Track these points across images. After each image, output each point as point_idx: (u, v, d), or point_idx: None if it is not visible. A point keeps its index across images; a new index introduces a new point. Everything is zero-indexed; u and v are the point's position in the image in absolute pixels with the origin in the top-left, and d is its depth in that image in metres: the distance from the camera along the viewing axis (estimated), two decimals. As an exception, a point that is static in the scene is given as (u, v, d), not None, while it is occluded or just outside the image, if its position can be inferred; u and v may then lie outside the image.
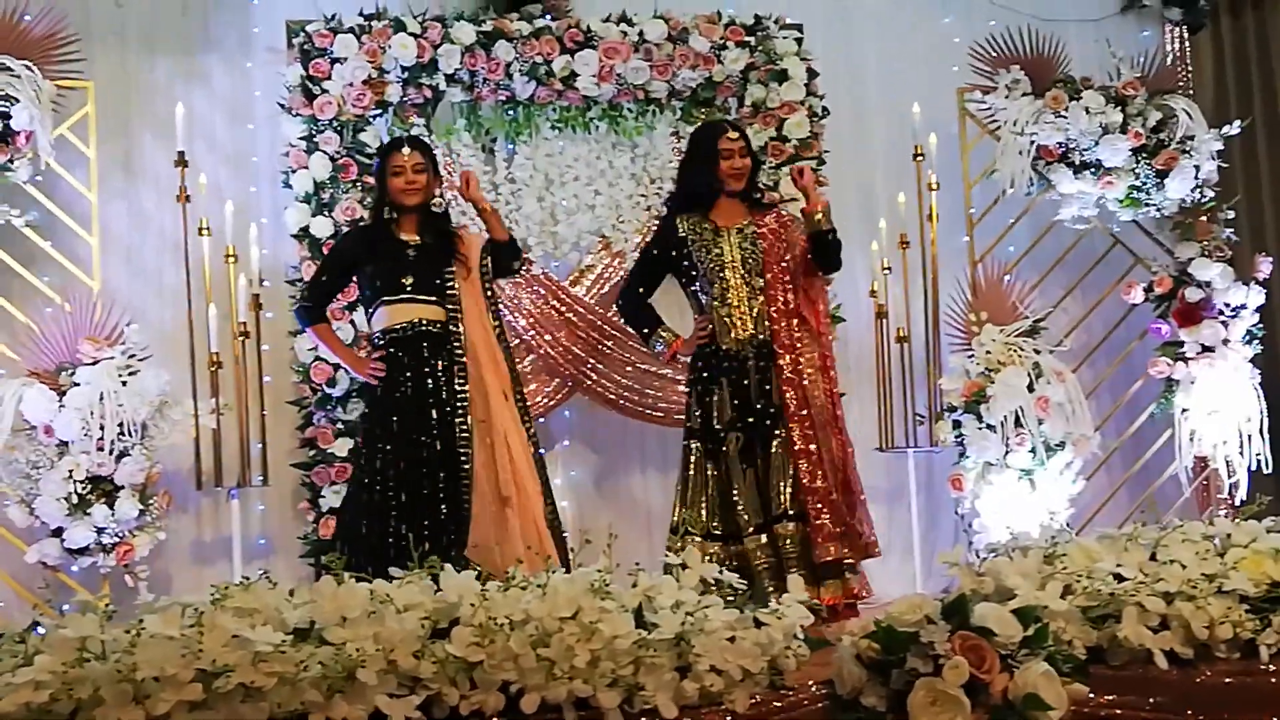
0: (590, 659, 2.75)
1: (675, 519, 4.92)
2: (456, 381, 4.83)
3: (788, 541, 4.80)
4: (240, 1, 5.96)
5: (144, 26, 5.92)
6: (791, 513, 4.82)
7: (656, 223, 5.51)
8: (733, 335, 4.96)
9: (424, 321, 4.85)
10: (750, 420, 4.91)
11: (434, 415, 4.82)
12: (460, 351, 4.86)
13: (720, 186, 5.01)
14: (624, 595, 2.94)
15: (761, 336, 4.95)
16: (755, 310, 4.96)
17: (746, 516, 4.83)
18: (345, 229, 5.42)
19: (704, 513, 4.91)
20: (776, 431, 4.88)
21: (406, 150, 4.94)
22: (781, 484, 4.84)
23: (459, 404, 4.81)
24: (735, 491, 4.86)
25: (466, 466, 4.76)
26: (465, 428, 4.79)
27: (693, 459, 4.97)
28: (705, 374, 5.00)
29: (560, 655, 2.73)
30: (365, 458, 4.88)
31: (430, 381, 4.83)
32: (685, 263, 5.04)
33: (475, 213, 5.13)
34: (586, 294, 5.94)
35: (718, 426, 4.93)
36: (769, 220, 5.07)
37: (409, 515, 4.73)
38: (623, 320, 5.45)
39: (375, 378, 4.87)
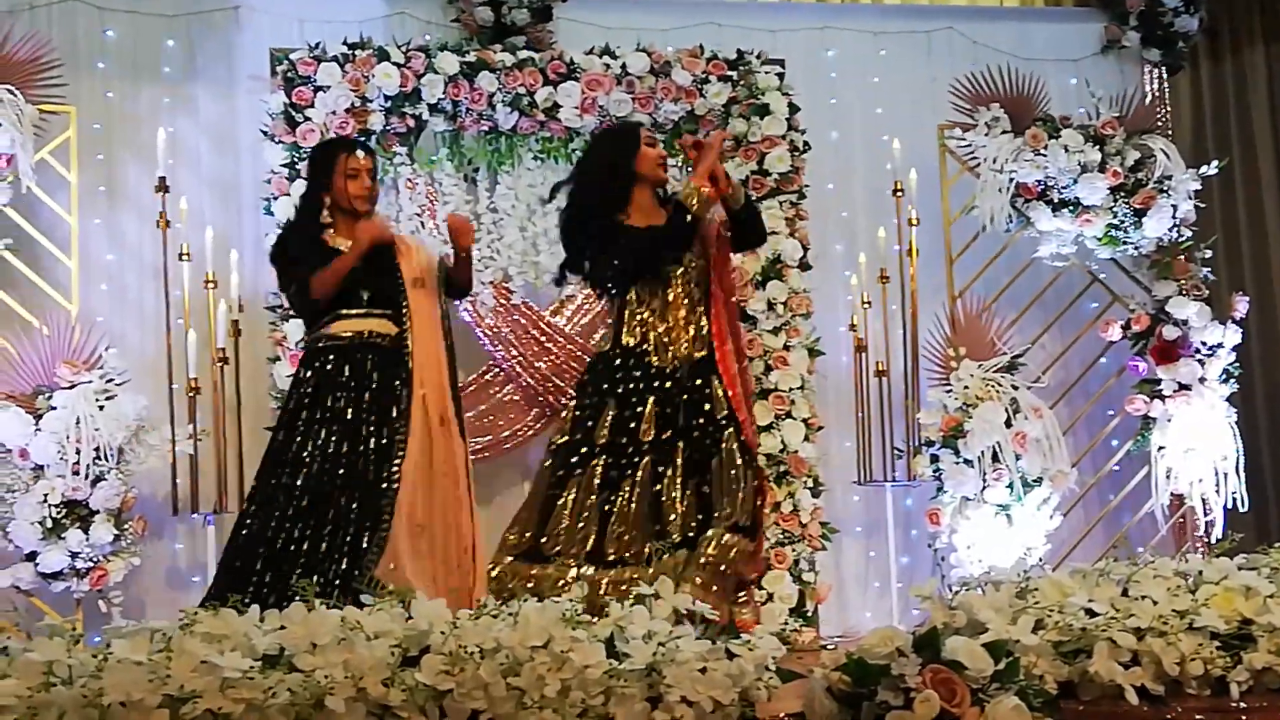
0: (561, 688, 2.74)
1: None
2: (400, 402, 4.54)
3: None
4: (225, 29, 5.98)
5: (129, 52, 5.94)
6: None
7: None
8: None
9: (373, 334, 4.61)
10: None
11: (368, 431, 4.51)
12: (408, 371, 4.58)
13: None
14: (596, 625, 2.94)
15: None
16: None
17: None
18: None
19: None
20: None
21: (362, 154, 4.69)
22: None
23: (398, 426, 4.52)
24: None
25: (395, 488, 4.44)
26: (401, 451, 4.49)
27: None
28: None
29: (530, 685, 2.72)
30: (273, 470, 4.52)
31: (369, 396, 4.54)
32: None
33: (454, 254, 4.84)
34: (567, 324, 5.94)
35: None
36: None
37: (314, 531, 4.41)
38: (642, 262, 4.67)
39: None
